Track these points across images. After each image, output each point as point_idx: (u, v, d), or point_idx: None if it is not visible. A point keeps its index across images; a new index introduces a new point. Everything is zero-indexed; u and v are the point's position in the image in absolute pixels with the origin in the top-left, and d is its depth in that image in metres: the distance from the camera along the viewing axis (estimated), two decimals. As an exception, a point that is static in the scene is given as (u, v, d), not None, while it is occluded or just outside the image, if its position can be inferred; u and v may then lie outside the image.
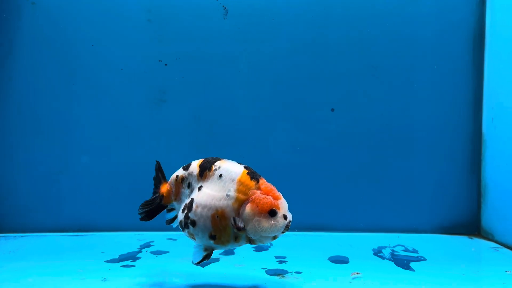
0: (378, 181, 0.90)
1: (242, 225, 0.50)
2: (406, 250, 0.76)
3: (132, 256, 0.71)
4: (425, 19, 0.89)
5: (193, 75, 0.90)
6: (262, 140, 0.90)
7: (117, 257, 0.70)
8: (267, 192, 0.51)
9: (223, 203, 0.52)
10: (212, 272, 0.63)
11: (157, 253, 0.73)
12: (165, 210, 0.61)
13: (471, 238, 0.85)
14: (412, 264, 0.67)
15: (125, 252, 0.72)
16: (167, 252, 0.73)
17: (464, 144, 0.90)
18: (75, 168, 0.89)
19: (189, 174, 0.57)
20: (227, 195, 0.52)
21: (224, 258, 0.70)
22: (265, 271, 0.63)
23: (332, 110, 0.91)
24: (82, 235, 0.86)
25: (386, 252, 0.74)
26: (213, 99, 0.91)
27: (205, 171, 0.55)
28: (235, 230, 0.51)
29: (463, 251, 0.76)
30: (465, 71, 0.90)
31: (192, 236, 0.55)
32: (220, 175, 0.53)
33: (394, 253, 0.74)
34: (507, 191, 0.79)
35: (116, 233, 0.86)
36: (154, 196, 0.60)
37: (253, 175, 0.52)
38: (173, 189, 0.58)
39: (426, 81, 0.90)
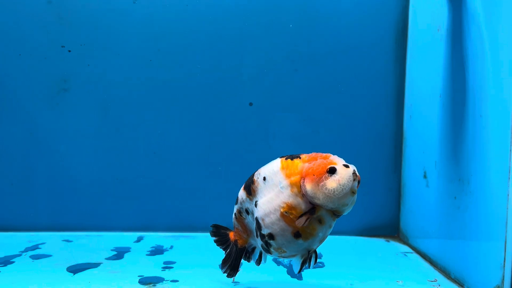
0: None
1: (317, 204, 0.45)
2: (311, 254, 0.73)
3: (5, 261, 0.65)
4: (348, 13, 0.83)
5: (100, 63, 0.83)
6: (172, 134, 0.84)
7: (-14, 261, 0.65)
8: (314, 159, 0.47)
9: (283, 197, 0.48)
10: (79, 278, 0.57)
11: (36, 257, 0.67)
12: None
13: (388, 241, 0.82)
14: (304, 272, 0.62)
15: (1, 256, 0.67)
16: (49, 256, 0.68)
17: (387, 142, 0.86)
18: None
19: (241, 202, 0.53)
20: (281, 188, 0.48)
21: (106, 263, 0.64)
22: (139, 280, 0.58)
23: (250, 104, 0.87)
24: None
25: (288, 257, 0.71)
26: (122, 89, 0.84)
27: (250, 188, 0.51)
28: (311, 216, 0.46)
29: (368, 256, 0.72)
30: (388, 67, 0.85)
31: (280, 250, 0.50)
32: (264, 178, 0.50)
33: (296, 258, 0.71)
34: (419, 192, 0.75)
35: (8, 233, 0.80)
36: (228, 249, 0.55)
37: (292, 156, 0.49)
38: (240, 228, 0.54)
39: (349, 77, 0.84)
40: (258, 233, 0.50)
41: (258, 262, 0.55)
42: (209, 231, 0.56)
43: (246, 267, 0.63)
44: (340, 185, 0.44)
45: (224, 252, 0.55)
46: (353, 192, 0.45)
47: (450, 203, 0.63)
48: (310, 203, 0.46)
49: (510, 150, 0.48)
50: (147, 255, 0.70)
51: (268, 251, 0.51)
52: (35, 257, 0.67)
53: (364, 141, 0.87)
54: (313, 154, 0.47)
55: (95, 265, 0.64)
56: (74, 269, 0.62)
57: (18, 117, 0.83)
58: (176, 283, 0.57)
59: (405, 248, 0.77)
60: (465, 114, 0.59)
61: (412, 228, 0.79)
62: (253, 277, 0.60)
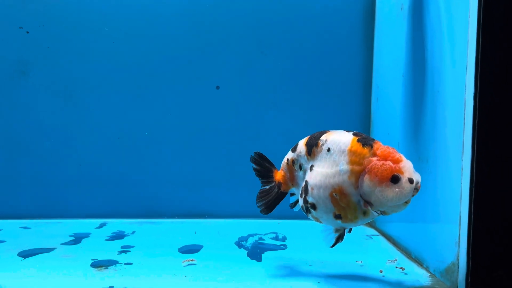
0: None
1: (368, 201, 0.45)
2: (276, 238, 0.71)
3: (-46, 247, 0.63)
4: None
5: (61, 45, 0.81)
6: (137, 118, 0.81)
7: None
8: (385, 157, 0.44)
9: (338, 179, 0.46)
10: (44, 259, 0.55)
11: (-12, 243, 0.66)
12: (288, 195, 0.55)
13: (355, 225, 0.82)
14: (265, 254, 0.61)
15: (-50, 243, 0.65)
16: (3, 242, 0.65)
17: (356, 125, 0.84)
18: None
19: (298, 155, 0.52)
20: (341, 170, 0.46)
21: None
22: (91, 263, 0.56)
23: (217, 87, 0.85)
24: None
25: (251, 240, 0.68)
26: (84, 72, 0.81)
27: (312, 148, 0.50)
28: (363, 208, 0.46)
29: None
30: (356, 49, 0.83)
31: (317, 220, 0.50)
32: (328, 149, 0.48)
33: (260, 241, 0.68)
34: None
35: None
36: (269, 186, 0.54)
37: (365, 141, 0.46)
38: (288, 174, 0.53)
39: (317, 59, 0.83)
40: (303, 195, 0.50)
41: (293, 206, 0.55)
42: (250, 156, 0.55)
43: (206, 248, 0.63)
44: (397, 197, 0.44)
45: (260, 183, 0.55)
46: (406, 203, 0.45)
47: (411, 183, 0.63)
48: (361, 196, 0.46)
49: (464, 124, 0.47)
50: (106, 240, 0.68)
51: (306, 214, 0.51)
52: (-14, 243, 0.66)
53: (332, 125, 0.86)
54: (386, 150, 0.45)
55: (48, 250, 0.61)
56: (25, 254, 0.59)
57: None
58: (130, 266, 0.55)
59: (371, 231, 0.76)
60: (424, 91, 0.59)
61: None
62: (213, 258, 0.59)
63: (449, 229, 0.50)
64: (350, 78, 0.84)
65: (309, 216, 0.51)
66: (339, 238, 0.50)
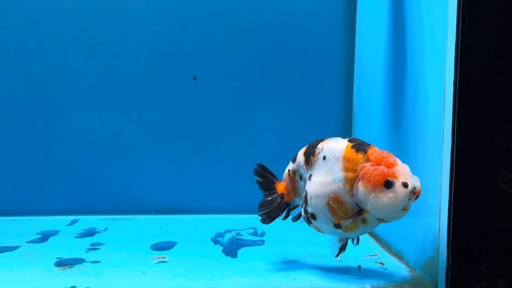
0: (249, 160, 0.82)
1: (358, 209, 0.44)
2: (254, 233, 0.68)
3: None
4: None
5: (28, 33, 0.76)
6: (110, 110, 0.78)
7: None
8: (378, 162, 0.43)
9: (333, 187, 0.46)
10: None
11: None
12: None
13: (337, 219, 0.81)
14: (241, 250, 0.59)
15: None
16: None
17: (337, 117, 0.82)
18: None
19: (298, 165, 0.52)
20: (335, 178, 0.46)
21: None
22: (56, 262, 0.53)
23: (195, 78, 0.82)
24: None
25: (228, 236, 0.66)
26: (53, 62, 0.77)
27: (310, 157, 0.49)
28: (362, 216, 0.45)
29: (312, 235, 0.61)
30: (338, 39, 0.81)
31: (318, 230, 0.50)
32: (324, 157, 0.48)
33: (237, 236, 0.66)
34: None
35: None
36: (271, 197, 0.54)
37: (359, 147, 0.45)
38: (290, 185, 0.53)
39: (297, 49, 0.80)
40: (304, 206, 0.50)
41: (295, 219, 0.54)
42: (253, 168, 0.54)
43: (180, 244, 0.61)
44: (391, 203, 0.43)
45: (263, 195, 0.54)
46: (404, 209, 0.44)
47: (392, 175, 0.61)
48: (357, 204, 0.44)
49: (444, 111, 0.45)
50: (75, 237, 0.65)
51: (308, 224, 0.51)
52: None
53: (314, 116, 0.84)
54: (380, 155, 0.44)
55: (12, 248, 0.58)
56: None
57: None
58: (97, 264, 0.52)
59: (353, 225, 0.75)
60: (405, 79, 0.56)
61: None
62: (186, 255, 0.56)
63: (429, 222, 0.49)
64: (332, 69, 0.82)
65: (311, 226, 0.51)
66: (343, 248, 0.50)
